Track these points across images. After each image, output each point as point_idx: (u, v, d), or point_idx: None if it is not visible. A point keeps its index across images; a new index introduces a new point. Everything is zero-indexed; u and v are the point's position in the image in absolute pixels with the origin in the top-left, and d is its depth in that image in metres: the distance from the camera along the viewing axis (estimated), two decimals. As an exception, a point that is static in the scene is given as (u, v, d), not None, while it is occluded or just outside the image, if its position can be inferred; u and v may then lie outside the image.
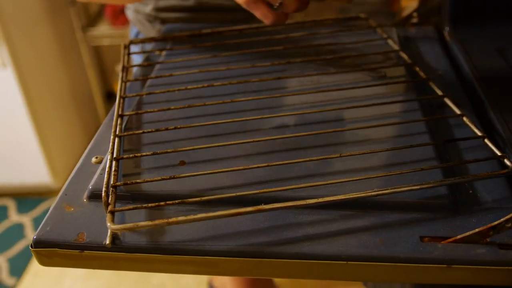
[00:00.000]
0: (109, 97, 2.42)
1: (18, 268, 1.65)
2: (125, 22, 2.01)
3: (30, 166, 1.89)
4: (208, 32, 0.74)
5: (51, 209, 0.47)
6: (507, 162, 0.46)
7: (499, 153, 0.47)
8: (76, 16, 1.96)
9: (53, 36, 1.94)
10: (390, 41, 0.69)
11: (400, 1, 0.92)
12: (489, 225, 0.41)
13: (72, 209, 0.47)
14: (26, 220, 1.85)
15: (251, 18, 0.95)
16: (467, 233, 0.41)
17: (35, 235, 0.44)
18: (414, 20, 0.78)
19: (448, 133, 0.54)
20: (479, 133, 0.50)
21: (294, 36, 0.72)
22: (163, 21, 0.93)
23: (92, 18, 2.10)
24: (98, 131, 0.58)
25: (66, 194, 0.49)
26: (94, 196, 0.47)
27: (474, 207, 0.45)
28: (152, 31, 0.95)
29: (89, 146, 0.55)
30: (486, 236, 0.41)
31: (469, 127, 0.52)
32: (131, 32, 1.01)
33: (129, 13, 0.99)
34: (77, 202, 0.47)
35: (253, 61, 0.67)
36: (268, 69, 0.66)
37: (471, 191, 0.47)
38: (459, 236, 0.41)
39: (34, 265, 1.66)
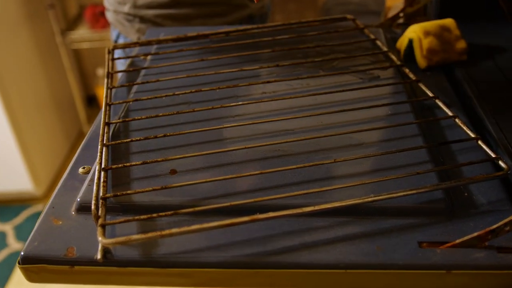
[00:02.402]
0: (90, 101, 2.38)
1: (1, 277, 1.61)
2: (105, 25, 1.98)
3: (10, 173, 1.85)
4: (194, 35, 0.73)
5: (38, 222, 0.45)
6: (502, 164, 0.46)
7: (493, 155, 0.47)
8: (55, 20, 1.93)
9: (32, 41, 1.90)
10: (378, 42, 0.69)
11: (385, 1, 0.92)
12: (487, 229, 0.40)
13: (60, 222, 0.45)
14: (8, 228, 1.81)
15: (229, 12, 0.94)
16: (466, 238, 0.41)
17: (22, 251, 0.42)
18: (400, 21, 0.78)
19: (440, 135, 0.54)
20: (472, 135, 0.50)
21: (282, 39, 0.71)
22: (142, 19, 0.92)
23: (72, 22, 2.07)
24: (84, 140, 0.56)
25: (53, 207, 0.47)
26: (83, 208, 0.46)
27: (471, 210, 0.45)
28: (131, 30, 0.94)
29: (76, 156, 0.53)
30: (485, 240, 0.41)
31: (462, 129, 0.51)
32: (112, 34, 1.00)
33: (109, 14, 0.98)
34: (65, 215, 0.46)
35: (241, 65, 0.66)
36: (257, 73, 0.65)
37: (466, 194, 0.47)
38: (457, 241, 0.41)
39: (18, 274, 1.62)
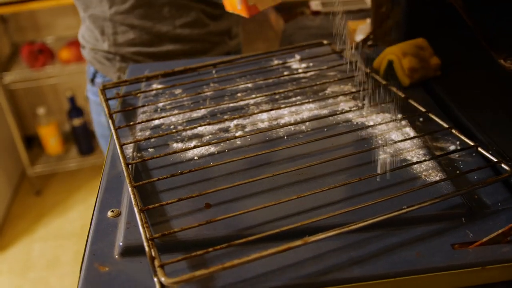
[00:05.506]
0: (29, 141, 2.29)
1: None
2: (44, 63, 1.92)
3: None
4: (182, 70, 0.74)
5: (83, 272, 0.45)
6: (505, 166, 0.52)
7: (495, 159, 0.53)
8: (-11, 61, 1.85)
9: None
10: (359, 64, 0.74)
11: (348, 25, 0.98)
12: (510, 225, 0.45)
13: (106, 268, 0.45)
14: (-44, 285, 1.69)
15: (209, 49, 0.97)
16: (492, 235, 0.45)
17: (77, 302, 0.42)
18: (370, 42, 0.83)
19: (438, 145, 0.59)
20: (471, 143, 0.55)
21: (267, 67, 0.75)
22: (123, 58, 0.92)
23: (6, 62, 1.98)
24: (102, 183, 0.56)
25: (93, 254, 0.47)
26: (127, 251, 0.46)
27: (484, 210, 0.50)
28: (112, 69, 0.93)
29: (99, 200, 0.53)
30: (508, 235, 0.46)
31: (460, 138, 0.57)
32: (88, 72, 0.99)
33: (85, 52, 0.97)
34: (109, 260, 0.46)
35: (235, 96, 0.69)
36: (255, 101, 0.67)
37: (476, 196, 0.52)
38: (484, 239, 0.46)
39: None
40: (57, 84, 2.19)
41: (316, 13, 1.18)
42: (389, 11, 0.79)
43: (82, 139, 2.17)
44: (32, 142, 2.29)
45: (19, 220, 2.05)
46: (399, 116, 0.63)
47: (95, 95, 0.99)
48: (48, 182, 2.25)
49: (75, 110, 2.10)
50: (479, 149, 0.55)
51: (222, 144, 0.59)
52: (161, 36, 0.90)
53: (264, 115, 0.64)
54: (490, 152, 0.55)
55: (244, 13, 0.61)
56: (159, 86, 0.72)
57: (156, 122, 0.64)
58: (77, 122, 2.11)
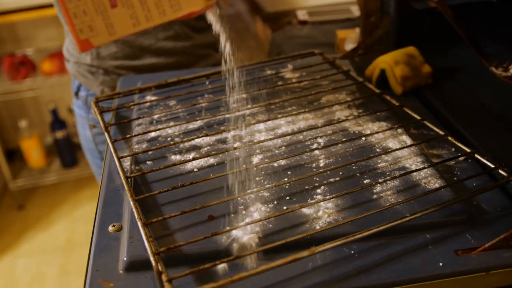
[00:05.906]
0: (11, 155, 2.25)
1: None
2: (25, 75, 1.90)
3: None
4: (175, 81, 0.74)
5: (86, 288, 0.44)
6: (502, 172, 0.53)
7: (492, 165, 0.54)
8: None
9: None
10: (352, 73, 0.74)
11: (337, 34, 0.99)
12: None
13: (111, 284, 0.44)
14: None
15: (194, 62, 0.96)
16: (494, 241, 0.46)
17: (83, 320, 0.41)
18: (360, 51, 0.84)
19: (434, 153, 0.60)
20: (468, 150, 0.56)
21: (261, 77, 0.75)
22: (106, 71, 0.91)
23: (-14, 74, 1.95)
24: (101, 197, 0.55)
25: (97, 270, 0.46)
26: (132, 266, 0.45)
27: (484, 216, 0.51)
28: (95, 83, 0.92)
29: (99, 215, 0.52)
30: (510, 240, 0.46)
31: (455, 145, 0.58)
32: (72, 86, 0.97)
33: (69, 66, 0.95)
34: (114, 276, 0.45)
35: (231, 106, 0.69)
36: (251, 112, 0.67)
37: (475, 203, 0.52)
38: (487, 245, 0.46)
39: None
40: (39, 96, 2.16)
41: (303, 23, 1.19)
42: (378, 21, 0.80)
43: (65, 151, 2.15)
44: (14, 155, 2.26)
45: (1, 236, 2.01)
46: (395, 124, 0.63)
47: (80, 109, 0.99)
48: (31, 196, 2.21)
49: (58, 122, 2.08)
50: (476, 155, 0.56)
51: (220, 155, 0.59)
52: (143, 49, 0.90)
53: (261, 126, 0.64)
54: (486, 158, 0.56)
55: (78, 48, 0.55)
56: (153, 98, 0.71)
57: (153, 134, 0.63)
58: (60, 134, 2.08)
